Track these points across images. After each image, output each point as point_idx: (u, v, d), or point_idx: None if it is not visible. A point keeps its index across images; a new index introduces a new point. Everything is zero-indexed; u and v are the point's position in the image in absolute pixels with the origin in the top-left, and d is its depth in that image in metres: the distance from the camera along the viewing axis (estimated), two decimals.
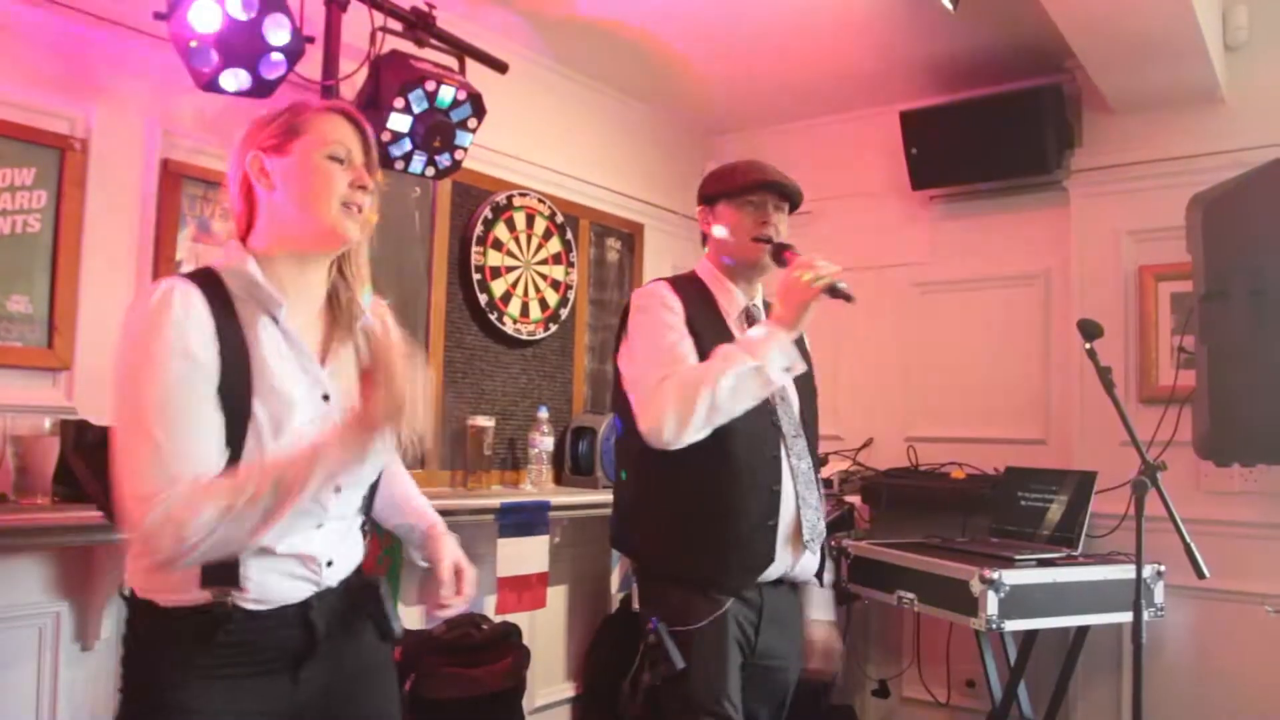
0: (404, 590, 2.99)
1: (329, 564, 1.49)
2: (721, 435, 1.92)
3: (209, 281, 1.41)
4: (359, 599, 1.57)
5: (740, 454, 1.98)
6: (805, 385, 2.17)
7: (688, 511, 2.01)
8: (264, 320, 1.43)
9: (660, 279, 2.16)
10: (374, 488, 1.61)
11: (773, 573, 2.03)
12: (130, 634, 1.47)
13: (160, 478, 1.29)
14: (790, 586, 2.14)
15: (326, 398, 1.47)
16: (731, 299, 2.14)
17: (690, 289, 2.12)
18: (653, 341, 2.01)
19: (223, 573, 1.38)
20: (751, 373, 1.86)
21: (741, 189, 2.12)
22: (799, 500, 2.04)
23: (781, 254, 2.07)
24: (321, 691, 1.49)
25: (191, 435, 1.32)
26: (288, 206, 1.46)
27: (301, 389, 1.43)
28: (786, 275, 1.94)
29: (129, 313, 1.39)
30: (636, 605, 2.08)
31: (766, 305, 2.19)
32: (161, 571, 1.36)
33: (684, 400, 1.85)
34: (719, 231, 2.14)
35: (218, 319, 1.37)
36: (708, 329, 2.04)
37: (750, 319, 2.12)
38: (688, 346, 1.99)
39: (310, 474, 1.32)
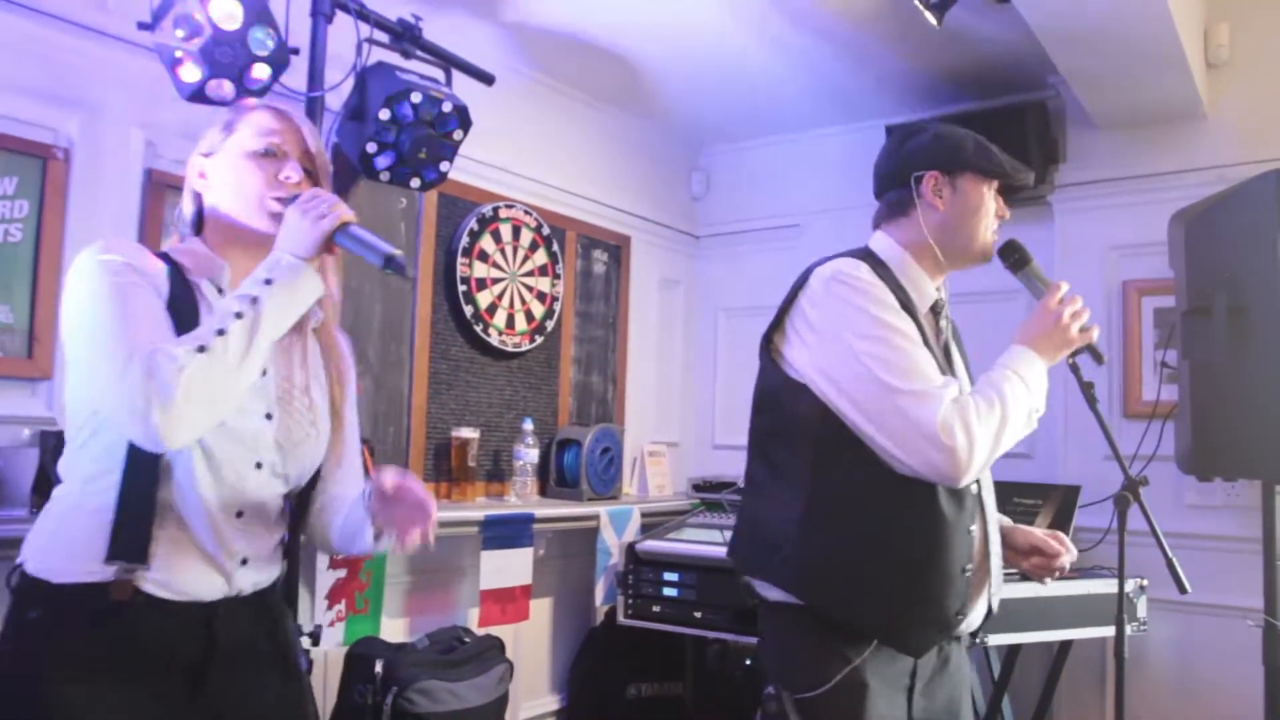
0: (388, 603, 2.97)
1: (243, 561, 1.44)
2: None
3: (161, 256, 1.47)
4: (268, 625, 1.51)
5: (943, 491, 1.63)
6: None
7: (881, 549, 1.62)
8: (211, 290, 1.47)
9: (852, 257, 1.75)
10: (303, 505, 1.59)
11: (964, 628, 1.72)
12: (9, 622, 1.36)
13: (129, 348, 1.27)
14: (946, 642, 1.76)
15: (264, 372, 1.45)
16: (922, 291, 1.78)
17: (883, 275, 1.72)
18: (887, 342, 1.61)
19: (131, 546, 1.33)
20: (1028, 415, 1.64)
21: (1005, 174, 1.77)
22: (988, 544, 1.71)
23: (1025, 264, 1.83)
24: (225, 717, 1.43)
25: (152, 326, 1.32)
26: (219, 205, 1.50)
27: None
28: (1052, 306, 1.72)
29: (80, 257, 1.39)
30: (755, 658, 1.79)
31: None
32: (166, 427, 1.24)
33: (994, 434, 1.57)
34: (957, 208, 1.76)
35: (172, 279, 1.42)
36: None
37: (936, 313, 1.81)
38: (932, 362, 1.64)
39: (261, 279, 1.35)
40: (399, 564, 3.09)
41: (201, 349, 1.27)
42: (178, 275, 1.44)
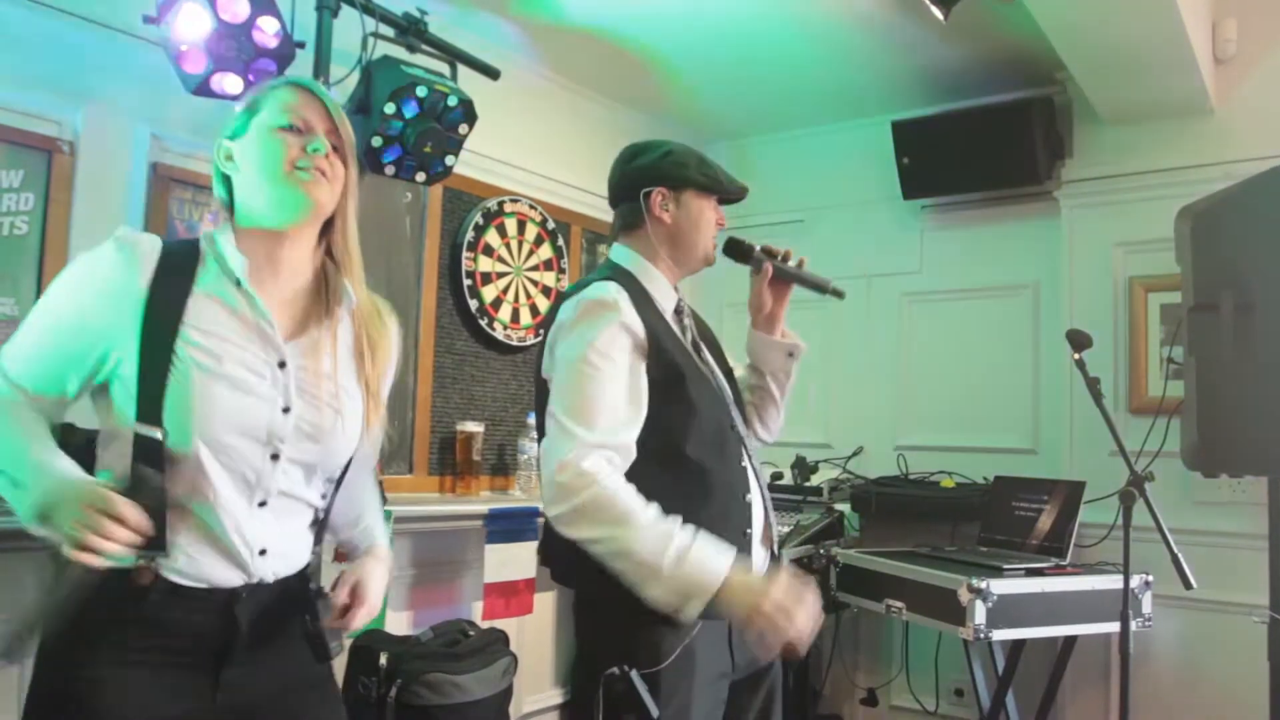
0: (392, 596, 2.97)
1: (261, 552, 1.43)
2: (697, 454, 1.77)
3: (182, 243, 1.48)
4: (295, 610, 1.50)
5: (717, 470, 1.80)
6: (728, 372, 2.04)
7: None
8: (224, 283, 1.45)
9: (602, 279, 1.82)
10: (335, 488, 1.57)
11: None
12: (53, 603, 1.42)
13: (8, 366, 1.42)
14: None
15: (283, 365, 1.45)
16: (666, 294, 1.93)
17: (632, 288, 1.84)
18: (591, 387, 1.71)
19: (152, 535, 1.33)
20: (642, 583, 1.61)
21: (723, 190, 1.97)
22: (765, 504, 1.90)
23: (749, 255, 2.05)
24: (247, 704, 1.44)
25: (36, 355, 1.42)
26: (247, 182, 1.48)
27: (248, 350, 1.43)
28: (766, 608, 1.57)
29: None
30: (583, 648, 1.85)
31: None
32: None
33: (595, 530, 1.62)
34: (682, 221, 1.93)
35: (160, 272, 1.42)
36: (664, 337, 1.81)
37: (680, 315, 1.95)
38: (628, 409, 1.72)
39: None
40: (403, 557, 3.09)
41: None
42: (184, 263, 1.44)
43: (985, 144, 3.64)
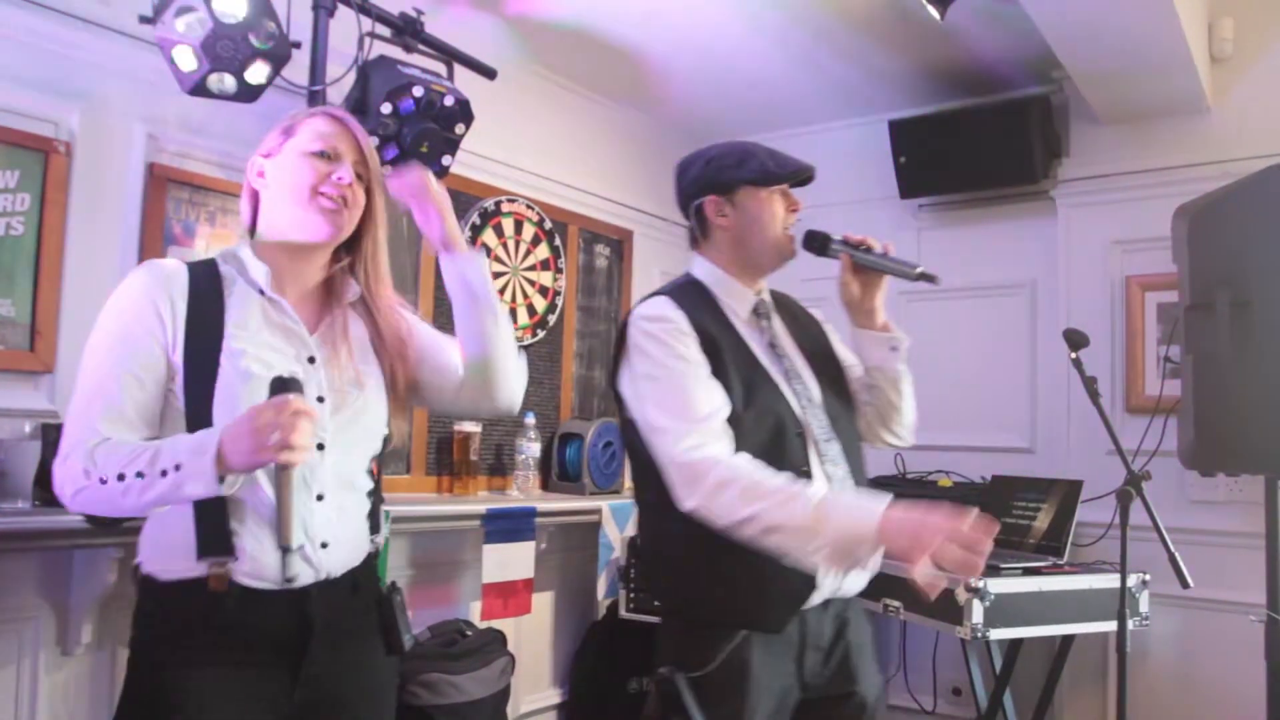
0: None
1: (324, 545, 1.50)
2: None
3: (202, 264, 1.56)
4: (369, 605, 1.61)
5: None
6: (828, 372, 1.94)
7: (717, 546, 1.68)
8: (251, 294, 1.54)
9: (661, 295, 1.85)
10: (379, 470, 1.65)
11: (816, 599, 1.76)
12: (135, 615, 1.51)
13: (76, 431, 1.42)
14: (840, 606, 1.84)
15: (312, 360, 1.54)
16: (740, 298, 1.90)
17: (694, 299, 1.84)
18: (677, 386, 1.71)
19: (216, 541, 1.42)
20: (802, 548, 1.58)
21: (774, 179, 1.89)
22: None
23: (827, 245, 1.93)
24: (322, 694, 1.51)
25: (108, 397, 1.45)
26: (273, 200, 1.59)
27: (283, 353, 1.51)
28: (922, 531, 1.54)
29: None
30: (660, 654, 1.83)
31: (773, 296, 1.99)
32: (71, 505, 1.41)
33: (738, 511, 1.60)
34: (741, 221, 1.88)
35: (194, 291, 1.50)
36: (721, 343, 1.78)
37: (759, 315, 1.90)
38: (719, 395, 1.72)
39: (179, 458, 1.36)
40: (401, 557, 3.09)
41: (103, 480, 1.37)
42: (211, 281, 1.53)
43: (982, 143, 3.65)
